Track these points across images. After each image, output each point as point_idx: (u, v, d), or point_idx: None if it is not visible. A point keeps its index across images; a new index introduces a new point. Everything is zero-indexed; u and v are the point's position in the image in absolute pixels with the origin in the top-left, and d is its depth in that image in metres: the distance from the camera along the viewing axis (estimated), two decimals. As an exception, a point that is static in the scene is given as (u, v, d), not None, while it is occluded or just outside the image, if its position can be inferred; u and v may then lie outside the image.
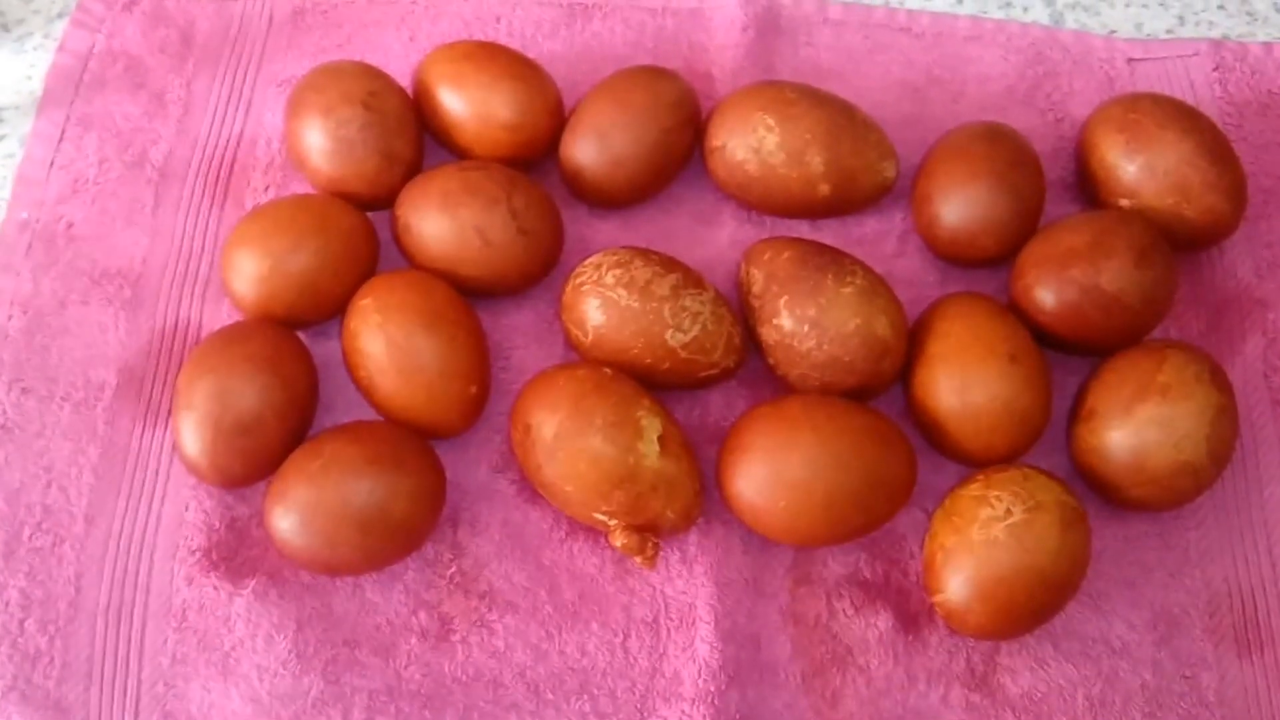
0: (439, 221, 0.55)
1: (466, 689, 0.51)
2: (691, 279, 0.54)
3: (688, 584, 0.53)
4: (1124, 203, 0.57)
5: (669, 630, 0.52)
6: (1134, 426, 0.51)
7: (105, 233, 0.60)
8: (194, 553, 0.53)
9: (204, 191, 0.62)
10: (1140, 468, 0.51)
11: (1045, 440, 0.54)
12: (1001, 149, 0.57)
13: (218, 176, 0.62)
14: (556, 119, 0.59)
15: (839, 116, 0.58)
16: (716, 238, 0.60)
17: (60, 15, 0.67)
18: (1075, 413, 0.54)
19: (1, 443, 0.55)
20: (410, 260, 0.57)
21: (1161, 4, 0.68)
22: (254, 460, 0.51)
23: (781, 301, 0.53)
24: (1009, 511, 0.49)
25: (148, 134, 0.63)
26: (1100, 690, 0.51)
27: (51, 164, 0.62)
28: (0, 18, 0.67)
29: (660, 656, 0.52)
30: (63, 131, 0.63)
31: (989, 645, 0.52)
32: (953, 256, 0.58)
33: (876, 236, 0.60)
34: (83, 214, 0.60)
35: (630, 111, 0.58)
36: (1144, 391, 0.51)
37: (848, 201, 0.59)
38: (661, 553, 0.53)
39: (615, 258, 0.54)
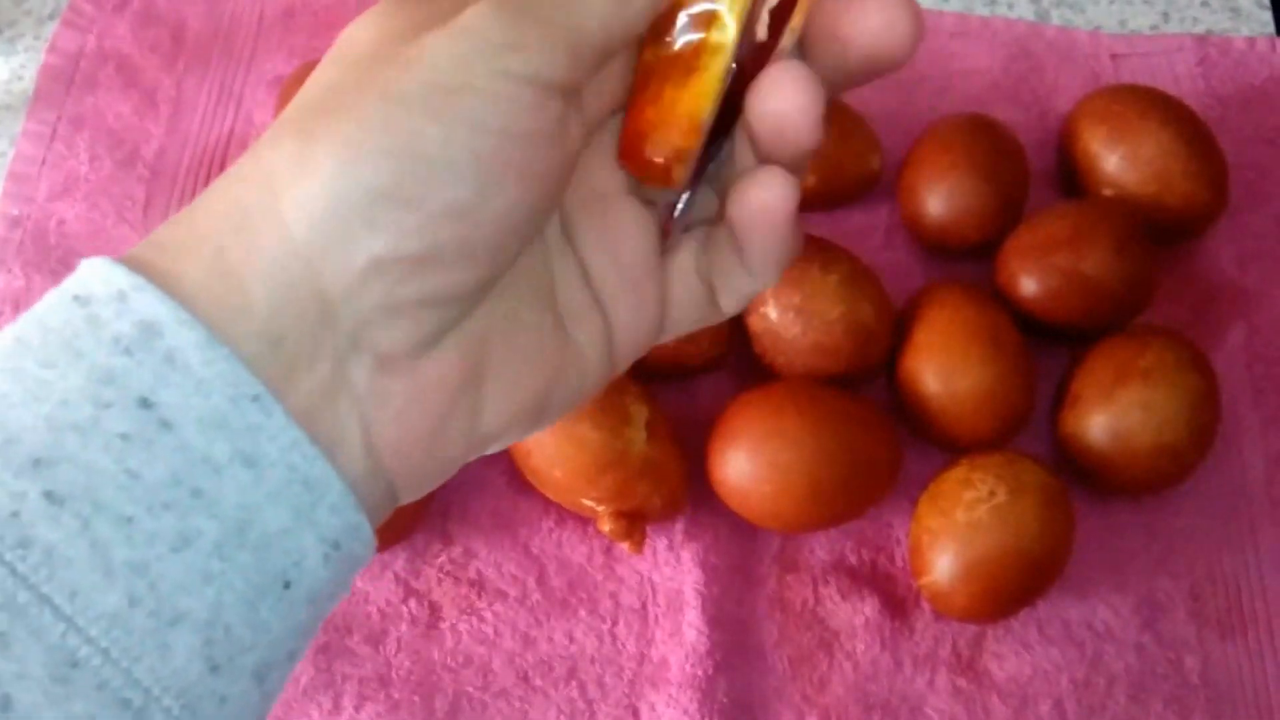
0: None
1: (456, 676, 0.51)
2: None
3: (675, 571, 0.53)
4: (1106, 192, 0.58)
5: (657, 617, 0.52)
6: (1116, 410, 0.51)
7: (96, 230, 0.60)
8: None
9: (195, 190, 0.62)
10: (1122, 450, 0.51)
11: (1030, 427, 0.55)
12: (984, 140, 0.58)
13: (209, 175, 0.63)
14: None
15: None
16: (703, 230, 0.61)
17: (51, 16, 0.68)
18: (1059, 398, 0.54)
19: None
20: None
21: (1146, 1, 0.69)
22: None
23: (768, 290, 0.54)
24: (992, 493, 0.49)
25: (139, 132, 0.63)
26: (1085, 673, 0.52)
27: (43, 163, 0.62)
28: (-8, 19, 0.68)
29: (648, 643, 0.52)
30: (54, 131, 0.63)
31: (975, 630, 0.52)
32: (938, 246, 0.59)
33: (863, 230, 0.61)
34: (74, 212, 0.61)
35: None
36: (1126, 376, 0.52)
37: (834, 193, 0.59)
38: (649, 540, 0.53)
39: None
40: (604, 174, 0.31)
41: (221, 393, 0.24)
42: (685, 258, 0.32)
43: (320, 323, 0.25)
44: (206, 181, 0.62)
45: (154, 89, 0.64)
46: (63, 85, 0.64)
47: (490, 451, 0.30)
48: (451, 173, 0.25)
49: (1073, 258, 0.54)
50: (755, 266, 0.31)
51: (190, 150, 0.63)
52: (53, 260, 0.59)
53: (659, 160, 0.30)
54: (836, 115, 0.59)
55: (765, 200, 0.29)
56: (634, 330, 0.32)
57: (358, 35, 0.28)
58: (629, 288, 0.31)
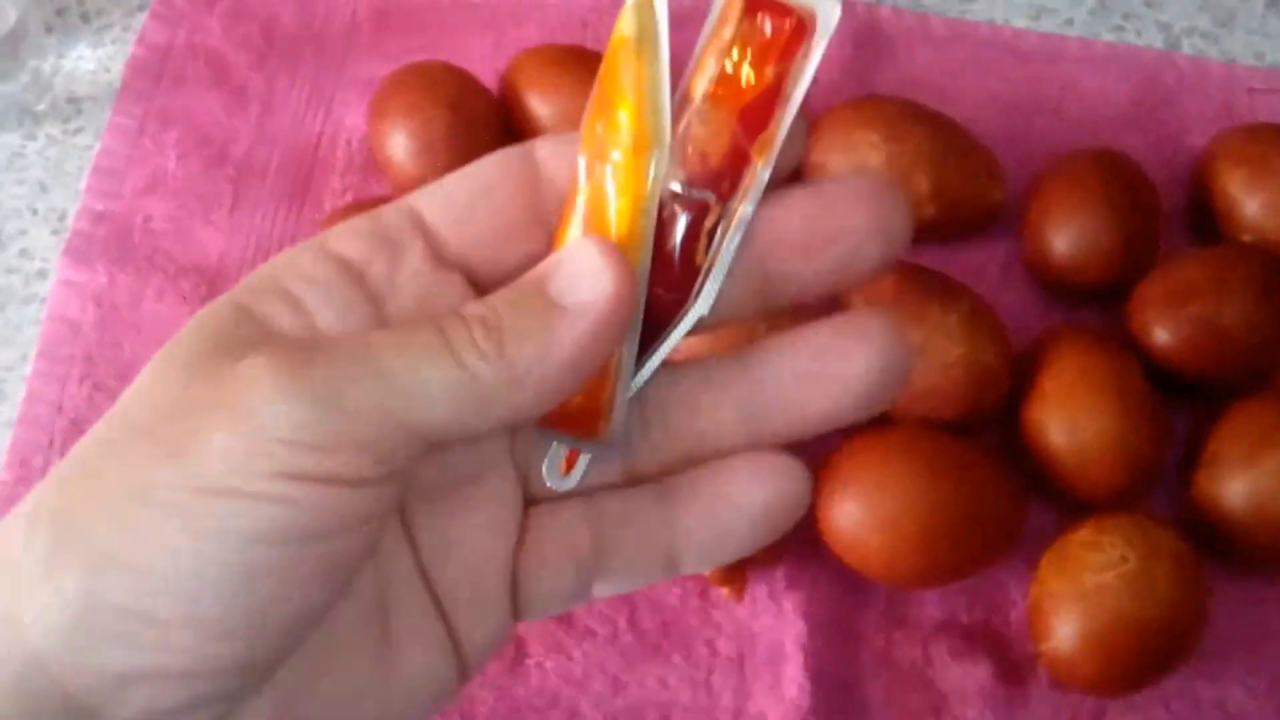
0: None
1: (542, 716, 0.49)
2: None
3: (776, 620, 0.50)
4: (1245, 238, 0.54)
5: (755, 668, 0.50)
6: (1258, 475, 0.48)
7: (182, 229, 0.58)
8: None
9: (282, 191, 0.60)
10: (1263, 519, 0.48)
11: (1158, 487, 0.51)
12: (1117, 178, 0.54)
13: (296, 176, 0.61)
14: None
15: (946, 135, 0.55)
16: (812, 259, 0.58)
17: (140, 7, 0.66)
18: (1194, 458, 0.51)
19: (72, 438, 0.53)
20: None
21: (1281, 32, 0.65)
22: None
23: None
24: (1123, 558, 0.46)
25: (227, 131, 0.61)
26: (1213, 755, 0.49)
27: (129, 158, 0.60)
28: (80, 7, 0.66)
29: (746, 696, 0.49)
30: (141, 125, 0.61)
31: (1095, 703, 0.49)
32: (1061, 287, 0.56)
33: (980, 265, 0.58)
34: (160, 209, 0.59)
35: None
36: (1269, 439, 0.48)
37: (952, 224, 0.56)
38: (749, 586, 0.51)
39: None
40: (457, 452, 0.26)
41: None
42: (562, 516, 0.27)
43: None
44: (294, 184, 0.60)
45: (243, 87, 0.62)
46: (151, 79, 0.62)
47: None
48: (214, 592, 0.22)
49: (1211, 307, 0.50)
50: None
51: (279, 152, 0.61)
52: (138, 258, 0.57)
53: (580, 414, 0.25)
54: (957, 141, 0.56)
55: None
56: (484, 633, 0.26)
57: (169, 360, 0.24)
58: (473, 585, 0.26)
